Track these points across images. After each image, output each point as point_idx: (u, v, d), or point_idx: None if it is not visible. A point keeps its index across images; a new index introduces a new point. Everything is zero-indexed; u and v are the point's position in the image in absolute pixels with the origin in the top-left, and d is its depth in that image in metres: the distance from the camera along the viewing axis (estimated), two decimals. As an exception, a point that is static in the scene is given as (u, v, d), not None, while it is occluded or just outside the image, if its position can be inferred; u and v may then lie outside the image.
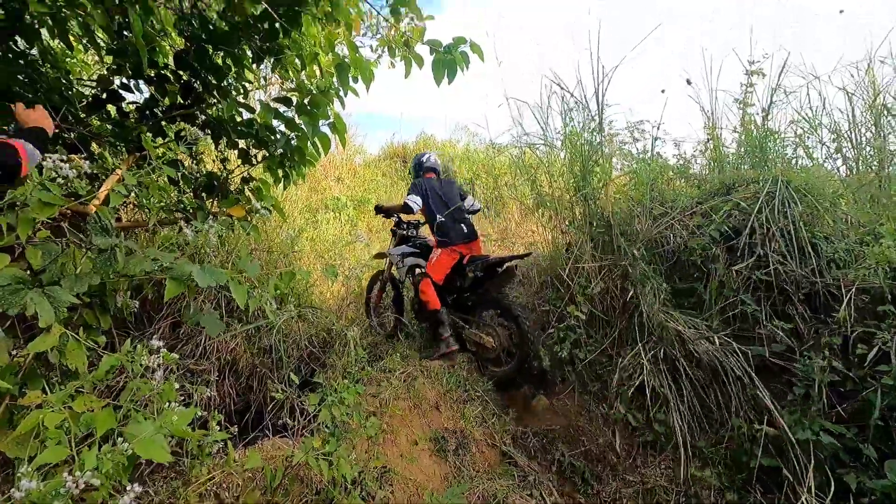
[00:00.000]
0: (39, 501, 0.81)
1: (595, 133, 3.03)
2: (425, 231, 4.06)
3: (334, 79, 2.81)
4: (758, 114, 3.21)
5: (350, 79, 2.76)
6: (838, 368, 2.05)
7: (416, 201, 3.54)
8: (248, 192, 3.04)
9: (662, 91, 3.20)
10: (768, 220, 2.48)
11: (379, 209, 3.90)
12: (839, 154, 3.09)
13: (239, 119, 2.88)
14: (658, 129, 3.18)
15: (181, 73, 2.75)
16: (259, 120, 2.87)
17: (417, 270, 3.75)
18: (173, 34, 2.98)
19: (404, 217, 4.10)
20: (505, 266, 3.29)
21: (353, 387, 1.82)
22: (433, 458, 2.36)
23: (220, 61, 2.83)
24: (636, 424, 2.50)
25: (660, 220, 2.89)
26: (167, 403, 1.14)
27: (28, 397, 1.02)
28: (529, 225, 8.00)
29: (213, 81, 2.80)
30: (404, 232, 4.03)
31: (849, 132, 3.02)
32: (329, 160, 9.61)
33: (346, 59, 2.65)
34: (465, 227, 3.57)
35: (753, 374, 2.21)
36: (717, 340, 2.35)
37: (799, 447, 1.95)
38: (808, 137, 3.12)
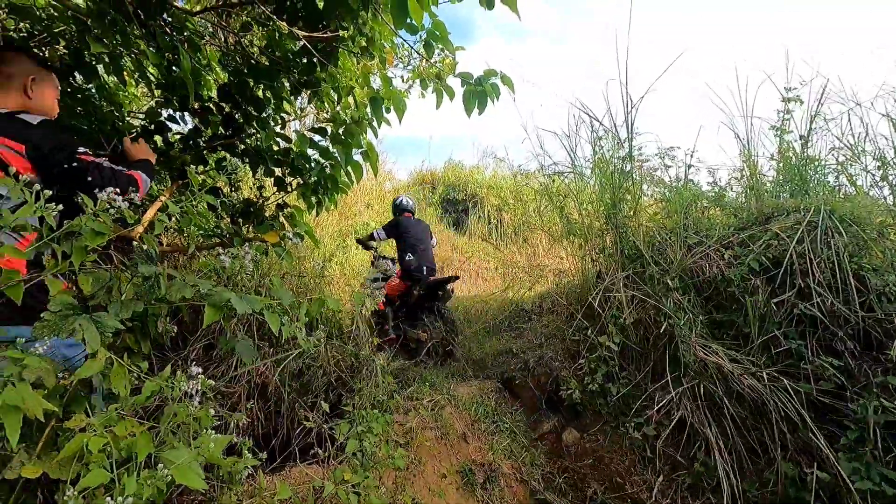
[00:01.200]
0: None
1: (626, 161, 3.01)
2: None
3: (368, 109, 2.90)
4: (796, 140, 3.13)
5: (383, 110, 2.84)
6: (894, 409, 1.92)
7: (380, 234, 4.55)
8: (282, 219, 3.12)
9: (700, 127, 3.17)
10: (810, 250, 2.38)
11: (358, 241, 4.72)
12: (885, 182, 2.97)
13: (276, 148, 2.99)
14: (691, 156, 3.14)
15: (224, 105, 2.89)
16: (295, 149, 2.97)
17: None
18: (217, 69, 3.15)
19: (379, 251, 4.92)
20: (445, 285, 4.28)
21: (381, 416, 1.80)
22: (461, 492, 2.30)
23: (260, 94, 2.97)
24: (674, 463, 2.39)
25: (694, 249, 2.82)
26: (203, 430, 1.15)
27: (73, 420, 1.04)
28: (558, 251, 7.93)
29: (254, 113, 2.93)
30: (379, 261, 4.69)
31: (895, 159, 2.90)
32: (360, 186, 9.81)
33: (380, 91, 2.74)
34: (425, 270, 4.34)
35: (805, 414, 2.09)
36: (764, 376, 2.24)
37: (858, 495, 1.81)
38: (851, 165, 3.02)
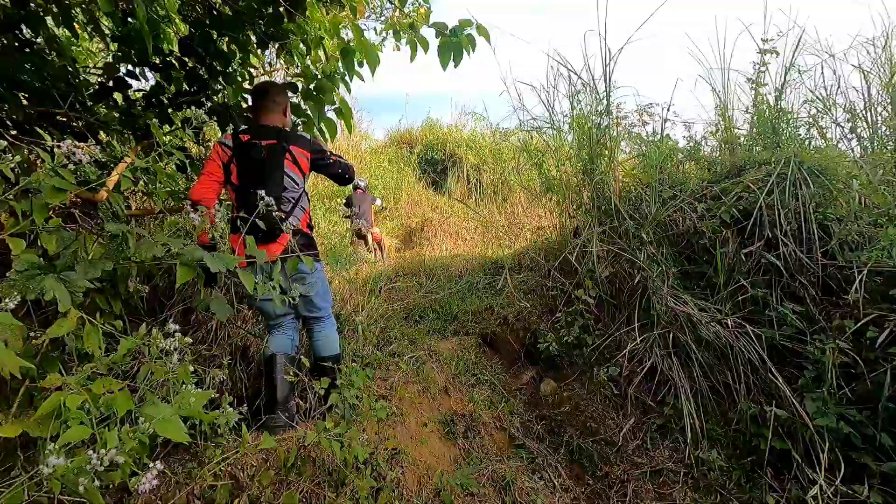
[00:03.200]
0: (66, 477, 0.83)
1: (603, 116, 2.99)
2: None
3: (339, 63, 2.79)
4: (771, 94, 3.16)
5: (355, 63, 2.74)
6: (849, 351, 2.04)
7: (343, 207, 7.46)
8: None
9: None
10: (779, 201, 2.45)
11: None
12: (854, 134, 3.04)
13: (244, 105, 2.87)
14: (668, 111, 3.14)
15: (186, 59, 2.75)
16: (265, 106, 2.87)
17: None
18: (177, 20, 2.97)
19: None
20: None
21: (362, 371, 1.84)
22: (443, 440, 2.39)
23: (224, 47, 2.82)
24: (645, 407, 2.52)
25: (669, 203, 2.86)
26: (182, 385, 1.15)
27: (48, 380, 1.04)
28: (537, 210, 7.98)
29: (219, 68, 2.79)
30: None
31: (864, 111, 2.96)
32: (335, 146, 9.59)
33: (352, 44, 2.63)
34: (362, 228, 6.77)
35: (766, 357, 2.20)
36: (729, 324, 2.34)
37: (814, 431, 1.95)
38: (822, 117, 3.07)
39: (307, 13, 2.59)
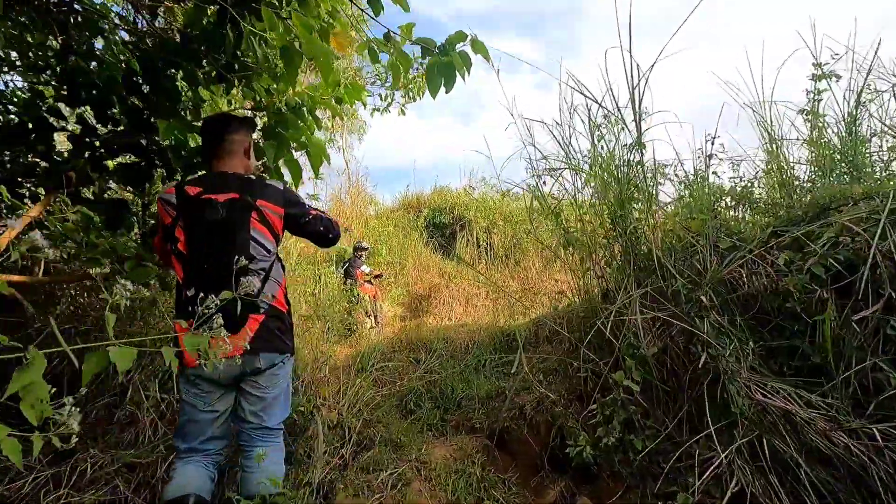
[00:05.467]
0: None
1: (633, 149, 2.42)
2: None
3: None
4: (839, 122, 2.57)
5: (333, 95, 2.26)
6: None
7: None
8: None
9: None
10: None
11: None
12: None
13: (193, 145, 2.37)
14: (712, 143, 2.56)
15: (129, 97, 2.29)
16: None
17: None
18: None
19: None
20: None
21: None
22: None
23: (179, 84, 2.38)
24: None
25: (729, 256, 2.20)
26: None
27: None
28: (552, 274, 7.32)
29: (166, 103, 2.33)
30: None
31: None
32: (339, 211, 9.24)
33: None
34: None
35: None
36: (858, 429, 1.57)
37: None
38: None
39: (265, 27, 2.12)
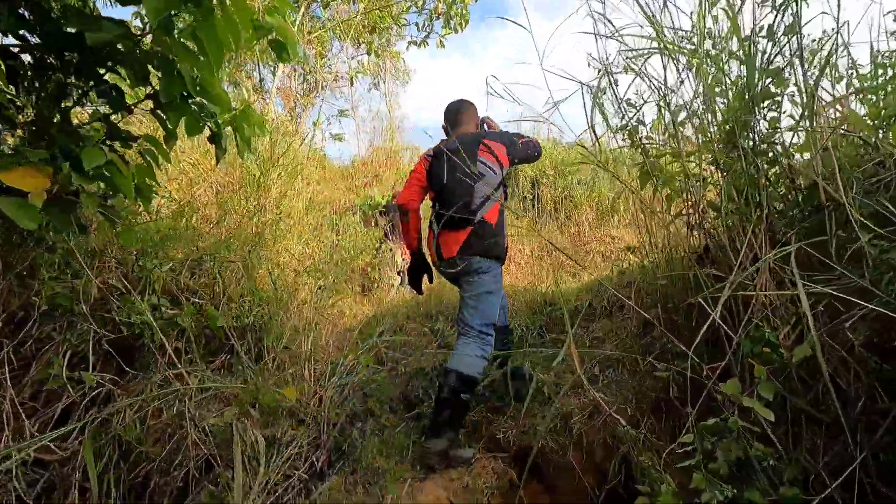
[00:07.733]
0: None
1: (781, 9, 1.39)
2: None
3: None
4: None
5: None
6: None
7: None
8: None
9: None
10: None
11: None
12: None
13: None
14: None
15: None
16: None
17: None
18: None
19: None
20: None
21: None
22: None
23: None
24: None
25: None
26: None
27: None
28: (607, 229, 6.29)
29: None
30: None
31: None
32: (369, 158, 8.47)
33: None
34: None
35: None
36: None
37: None
38: None
39: None
